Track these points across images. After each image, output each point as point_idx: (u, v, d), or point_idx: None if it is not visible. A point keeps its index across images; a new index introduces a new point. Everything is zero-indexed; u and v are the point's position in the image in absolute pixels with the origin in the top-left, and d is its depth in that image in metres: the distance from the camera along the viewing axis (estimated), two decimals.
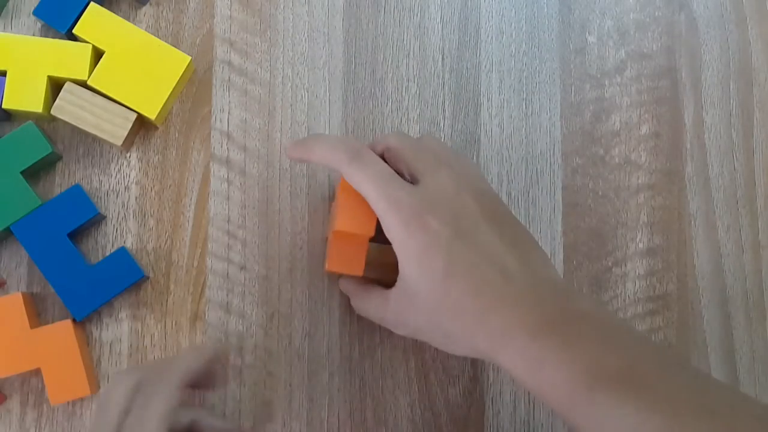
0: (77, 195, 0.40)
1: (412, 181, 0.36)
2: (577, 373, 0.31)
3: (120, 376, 0.34)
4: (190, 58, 0.42)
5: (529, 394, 0.44)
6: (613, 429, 0.29)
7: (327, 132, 0.44)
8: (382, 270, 0.40)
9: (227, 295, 0.42)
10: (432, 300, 0.34)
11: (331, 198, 0.43)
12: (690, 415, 0.29)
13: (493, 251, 0.35)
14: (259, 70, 0.44)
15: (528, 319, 0.33)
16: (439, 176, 0.36)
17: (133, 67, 0.41)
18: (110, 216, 0.42)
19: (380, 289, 0.38)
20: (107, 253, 0.41)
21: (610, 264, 0.46)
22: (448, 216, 0.35)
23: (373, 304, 0.39)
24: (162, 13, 0.44)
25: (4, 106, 0.40)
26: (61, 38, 0.42)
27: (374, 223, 0.37)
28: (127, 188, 0.42)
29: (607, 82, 0.47)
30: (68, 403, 0.40)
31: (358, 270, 0.39)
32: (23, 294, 0.39)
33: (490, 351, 0.33)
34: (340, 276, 0.43)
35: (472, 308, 0.34)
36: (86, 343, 0.41)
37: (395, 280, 0.37)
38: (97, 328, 0.41)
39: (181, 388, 0.33)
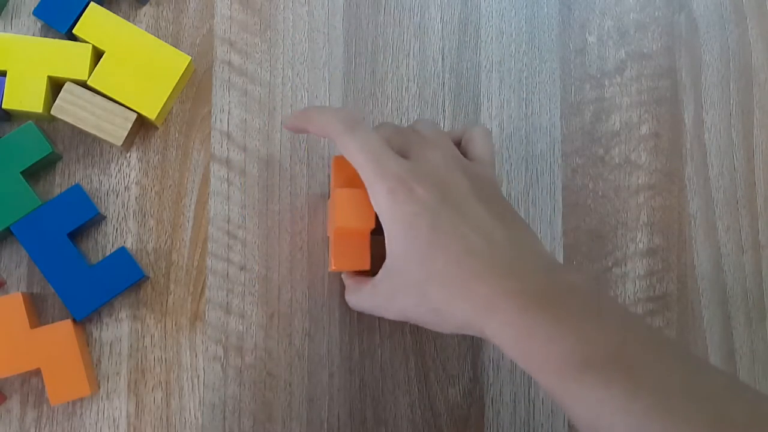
0: (77, 195, 0.40)
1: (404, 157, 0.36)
2: (567, 351, 0.30)
3: None
4: (190, 58, 0.42)
5: (529, 394, 0.44)
6: (600, 409, 0.29)
7: None
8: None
9: (227, 295, 0.42)
10: (418, 271, 0.34)
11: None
12: (678, 398, 0.28)
13: (481, 223, 0.34)
14: (259, 70, 0.44)
15: (516, 288, 0.32)
16: (430, 153, 0.36)
17: (133, 67, 0.41)
18: (110, 216, 0.42)
19: (368, 277, 0.38)
20: (107, 253, 0.41)
21: (610, 264, 0.46)
22: (436, 187, 0.35)
23: (363, 293, 0.38)
24: (162, 13, 0.44)
25: (4, 106, 0.40)
26: (61, 38, 0.42)
27: (374, 215, 0.37)
28: (127, 188, 0.42)
29: (607, 82, 0.47)
30: (68, 403, 0.40)
31: (365, 264, 0.39)
32: (23, 294, 0.39)
33: (477, 322, 0.33)
34: (341, 275, 0.43)
35: (459, 277, 0.33)
36: (86, 343, 0.41)
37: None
38: (97, 328, 0.41)
39: None
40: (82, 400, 0.40)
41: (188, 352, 0.41)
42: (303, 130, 0.39)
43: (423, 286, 0.34)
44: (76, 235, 0.41)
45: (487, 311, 0.32)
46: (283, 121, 0.42)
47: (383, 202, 0.34)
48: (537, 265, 0.34)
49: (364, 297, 0.39)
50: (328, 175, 0.44)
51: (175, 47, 0.42)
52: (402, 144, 0.37)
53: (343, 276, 0.42)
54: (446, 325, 0.35)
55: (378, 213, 0.35)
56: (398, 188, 0.34)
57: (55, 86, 0.42)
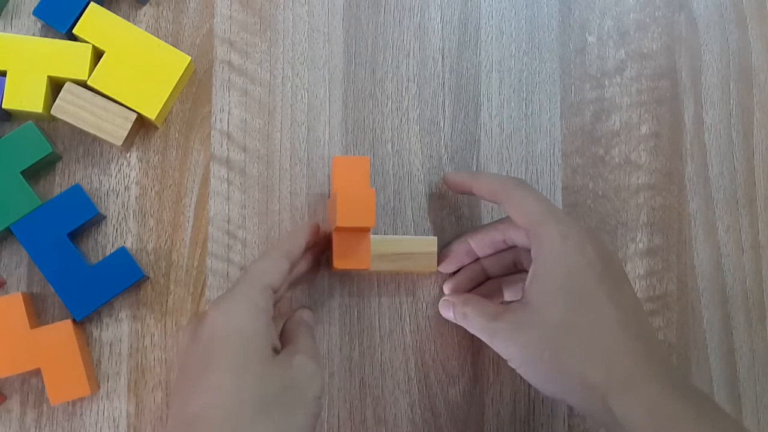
0: (77, 195, 0.40)
1: None
2: None
3: None
4: (190, 58, 0.42)
5: (529, 394, 0.44)
6: None
7: (327, 132, 0.44)
8: (388, 261, 0.40)
9: None
10: (562, 317, 0.35)
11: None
12: None
13: (631, 299, 0.36)
14: (259, 70, 0.44)
15: (661, 374, 0.33)
16: (589, 228, 0.38)
17: (133, 67, 0.41)
18: (110, 216, 0.42)
19: (496, 304, 0.39)
20: (107, 253, 0.41)
21: None
22: (603, 251, 0.36)
23: (487, 311, 0.38)
24: (162, 13, 0.44)
25: (4, 106, 0.40)
26: (61, 38, 0.42)
27: (374, 214, 0.37)
28: (127, 188, 0.42)
29: (607, 82, 0.47)
30: (68, 403, 0.40)
31: (365, 263, 0.39)
32: (23, 294, 0.39)
33: (600, 390, 0.33)
34: (345, 273, 0.43)
35: (603, 340, 0.34)
36: (86, 343, 0.41)
37: (406, 271, 0.38)
38: (97, 328, 0.41)
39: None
40: (82, 400, 0.40)
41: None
42: (466, 190, 0.41)
43: (560, 331, 0.35)
44: (76, 235, 0.41)
45: (622, 384, 0.33)
46: (444, 177, 0.43)
47: (555, 244, 0.35)
48: (670, 360, 0.36)
49: (486, 314, 0.38)
50: (328, 175, 0.44)
51: (175, 47, 0.42)
52: (568, 217, 0.38)
53: (456, 298, 0.41)
54: (558, 378, 0.35)
55: (540, 253, 0.36)
56: (572, 237, 0.35)
57: (55, 86, 0.42)
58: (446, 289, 0.43)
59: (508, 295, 0.42)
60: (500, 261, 0.42)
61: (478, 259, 0.42)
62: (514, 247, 0.41)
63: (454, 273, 0.43)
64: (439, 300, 0.43)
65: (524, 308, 0.36)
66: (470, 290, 0.42)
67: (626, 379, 0.33)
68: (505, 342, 0.37)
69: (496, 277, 0.43)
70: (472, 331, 0.39)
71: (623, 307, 0.35)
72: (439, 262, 0.42)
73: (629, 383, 0.33)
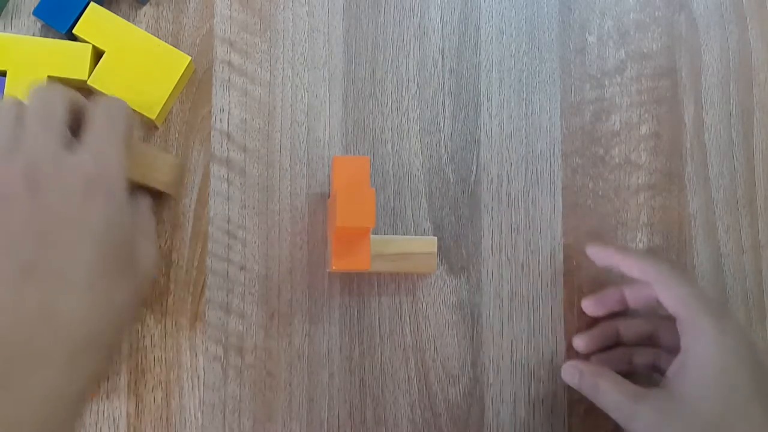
0: None
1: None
2: None
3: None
4: (190, 58, 0.42)
5: (529, 394, 0.44)
6: None
7: (327, 132, 0.44)
8: (388, 261, 0.40)
9: (227, 295, 0.42)
10: (715, 412, 0.34)
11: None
12: None
13: None
14: (259, 70, 0.44)
15: None
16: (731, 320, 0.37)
17: (133, 67, 0.41)
18: None
19: (632, 383, 0.38)
20: None
21: None
22: (756, 352, 0.36)
23: (627, 389, 0.37)
24: (162, 13, 0.44)
25: None
26: (61, 38, 0.42)
27: (374, 214, 0.37)
28: None
29: (607, 82, 0.47)
30: None
31: (365, 263, 0.39)
32: None
33: None
34: (346, 273, 0.43)
35: None
36: None
37: (406, 271, 0.38)
38: None
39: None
40: None
41: (188, 352, 0.41)
42: (613, 265, 0.41)
43: (710, 429, 0.34)
44: None
45: None
46: (588, 248, 0.43)
47: (712, 339, 0.35)
48: None
49: (621, 397, 0.37)
50: (328, 175, 0.44)
51: (175, 47, 0.42)
52: (721, 305, 0.39)
53: (586, 366, 0.40)
54: None
55: (693, 345, 0.35)
56: (729, 333, 0.35)
57: None
58: (577, 342, 0.42)
59: (638, 358, 0.42)
60: (636, 328, 0.42)
61: (615, 316, 0.43)
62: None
63: (589, 326, 0.43)
64: (439, 297, 0.43)
65: (671, 397, 0.35)
66: (596, 352, 0.42)
67: None
68: (646, 427, 0.36)
69: (626, 345, 0.42)
70: (601, 404, 0.38)
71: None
72: (587, 302, 0.43)
73: None
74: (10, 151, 0.32)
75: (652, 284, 0.38)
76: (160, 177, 0.40)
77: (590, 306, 0.43)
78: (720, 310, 0.36)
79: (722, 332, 0.35)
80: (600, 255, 0.42)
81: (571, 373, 0.41)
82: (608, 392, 0.37)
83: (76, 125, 0.34)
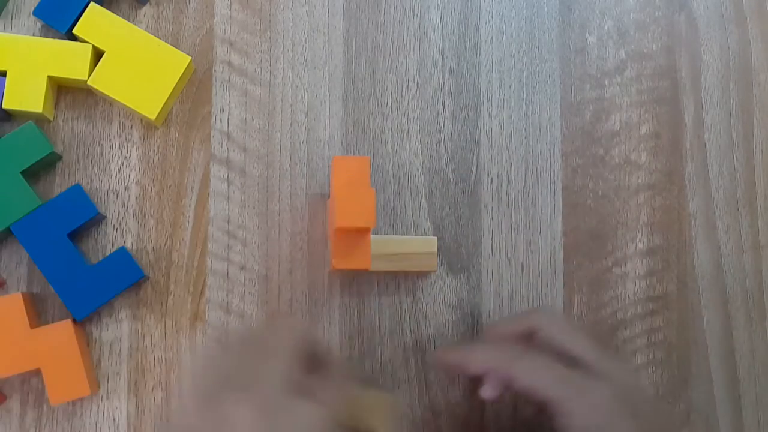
0: (77, 195, 0.40)
1: (572, 363, 0.35)
2: None
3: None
4: (190, 58, 0.42)
5: None
6: None
7: (327, 132, 0.44)
8: (388, 261, 0.40)
9: (227, 295, 0.42)
10: None
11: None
12: None
13: None
14: (259, 70, 0.44)
15: None
16: (621, 373, 0.36)
17: (133, 67, 0.41)
18: (110, 216, 0.42)
19: None
20: (107, 253, 0.41)
21: (610, 264, 0.46)
22: (639, 411, 0.34)
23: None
24: (162, 13, 0.44)
25: (4, 106, 0.40)
26: (61, 38, 0.42)
27: (374, 214, 0.37)
28: (127, 188, 0.42)
29: (607, 82, 0.47)
30: (68, 403, 0.40)
31: (365, 264, 0.39)
32: (23, 294, 0.39)
33: None
34: (346, 273, 0.43)
35: None
36: (86, 343, 0.41)
37: (406, 271, 0.38)
38: (97, 328, 0.41)
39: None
40: (82, 400, 0.40)
41: (188, 352, 0.41)
42: (461, 368, 0.38)
43: None
44: (76, 235, 0.41)
45: None
46: (434, 361, 0.42)
47: (584, 422, 0.34)
48: None
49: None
50: (328, 175, 0.44)
51: (175, 47, 0.42)
52: (593, 359, 0.36)
53: None
54: None
55: (558, 417, 0.34)
56: (601, 406, 0.34)
57: (55, 86, 0.42)
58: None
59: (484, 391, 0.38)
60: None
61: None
62: None
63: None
64: (439, 297, 0.43)
65: None
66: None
67: None
68: None
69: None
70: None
71: None
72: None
73: None
74: (242, 389, 0.31)
75: (512, 381, 0.35)
76: (376, 420, 0.38)
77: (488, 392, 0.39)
78: (586, 382, 0.34)
79: (592, 408, 0.34)
80: (445, 363, 0.39)
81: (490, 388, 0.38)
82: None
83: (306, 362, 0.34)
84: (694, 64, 0.48)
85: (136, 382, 0.41)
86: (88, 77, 0.41)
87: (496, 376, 0.37)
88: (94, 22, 0.41)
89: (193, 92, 0.44)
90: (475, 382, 0.38)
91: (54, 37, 0.42)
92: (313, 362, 0.34)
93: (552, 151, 0.46)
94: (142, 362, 0.41)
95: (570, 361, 0.35)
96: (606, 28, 0.48)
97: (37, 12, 0.42)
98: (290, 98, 0.44)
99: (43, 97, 0.40)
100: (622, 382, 0.35)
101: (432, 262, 0.42)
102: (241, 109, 0.44)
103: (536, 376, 0.35)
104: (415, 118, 0.45)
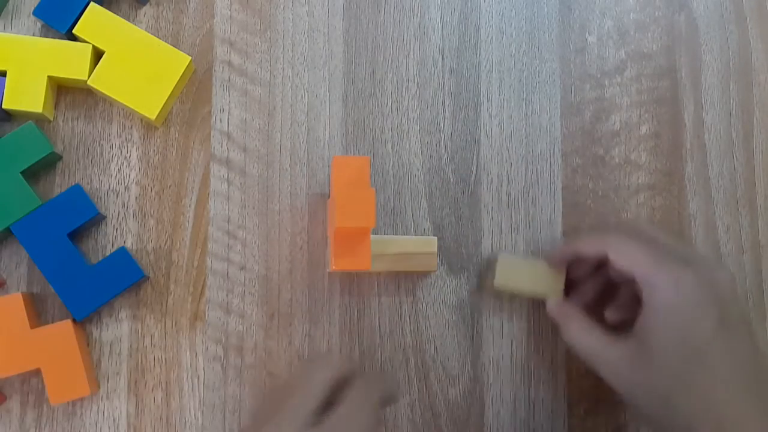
0: (77, 195, 0.40)
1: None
2: None
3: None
4: (190, 58, 0.42)
5: (529, 394, 0.44)
6: None
7: (327, 132, 0.44)
8: (388, 261, 0.40)
9: (227, 295, 0.42)
10: (676, 365, 0.35)
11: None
12: None
13: (747, 350, 0.36)
14: (259, 70, 0.44)
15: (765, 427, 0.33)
16: (720, 272, 0.37)
17: (133, 67, 0.41)
18: (110, 216, 0.42)
19: (605, 328, 0.38)
20: (107, 253, 0.41)
21: None
22: (719, 297, 0.36)
23: (597, 337, 0.38)
24: (162, 13, 0.44)
25: (4, 106, 0.40)
26: (61, 38, 0.42)
27: (374, 214, 0.37)
28: (127, 188, 0.42)
29: (607, 82, 0.47)
30: (68, 403, 0.40)
31: (365, 263, 0.39)
32: (23, 294, 0.39)
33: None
34: (346, 273, 0.43)
35: (714, 389, 0.34)
36: (86, 343, 0.41)
37: (406, 271, 0.38)
38: (97, 328, 0.41)
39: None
40: (82, 400, 0.40)
41: (188, 352, 0.41)
42: (572, 257, 0.41)
43: (673, 381, 0.35)
44: (76, 235, 0.41)
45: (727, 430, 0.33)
46: (547, 258, 0.42)
47: (667, 293, 0.35)
48: None
49: (595, 342, 0.38)
50: (328, 175, 0.44)
51: (175, 47, 0.42)
52: (685, 252, 0.38)
53: (555, 306, 0.41)
54: (664, 420, 0.36)
55: (651, 301, 0.36)
56: (685, 284, 0.35)
57: (55, 86, 0.42)
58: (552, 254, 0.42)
59: (609, 314, 0.41)
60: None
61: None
62: None
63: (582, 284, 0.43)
64: (439, 297, 0.43)
65: (638, 346, 0.36)
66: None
67: (732, 427, 0.33)
68: (613, 374, 0.37)
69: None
70: (571, 346, 0.39)
71: (738, 359, 0.35)
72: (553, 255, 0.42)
73: (734, 430, 0.33)
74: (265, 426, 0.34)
75: (609, 255, 0.38)
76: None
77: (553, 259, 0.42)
78: (672, 260, 0.36)
79: (676, 284, 0.35)
80: (557, 257, 0.42)
81: (551, 308, 0.41)
82: (579, 336, 0.39)
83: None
84: (694, 64, 0.48)
85: (136, 382, 0.41)
86: (88, 77, 0.41)
87: (592, 261, 0.40)
88: (94, 22, 0.41)
89: (193, 92, 0.44)
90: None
91: (54, 37, 0.42)
92: (341, 391, 0.35)
93: (552, 151, 0.46)
94: (142, 362, 0.41)
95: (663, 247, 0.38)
96: (606, 28, 0.48)
97: (37, 12, 0.42)
98: (290, 98, 0.44)
99: (43, 97, 0.40)
100: (707, 269, 0.36)
101: (432, 262, 0.42)
102: (241, 109, 0.44)
103: (630, 255, 0.37)
104: (415, 118, 0.45)
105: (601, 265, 0.41)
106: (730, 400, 0.34)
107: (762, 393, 0.35)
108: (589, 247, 0.39)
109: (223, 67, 0.44)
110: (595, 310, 0.41)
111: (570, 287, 0.42)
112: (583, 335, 0.39)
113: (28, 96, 0.40)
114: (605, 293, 0.42)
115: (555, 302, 0.41)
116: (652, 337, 0.36)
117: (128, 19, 0.42)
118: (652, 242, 0.38)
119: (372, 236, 0.40)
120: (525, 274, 0.42)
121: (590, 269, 0.42)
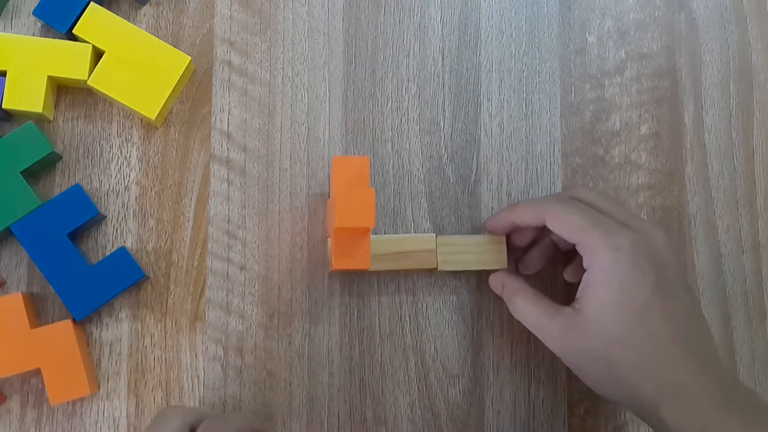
0: (77, 195, 0.40)
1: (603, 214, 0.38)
2: None
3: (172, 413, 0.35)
4: (190, 58, 0.42)
5: (529, 394, 0.44)
6: None
7: (327, 132, 0.44)
8: (388, 261, 0.40)
9: (227, 295, 0.42)
10: (617, 331, 0.35)
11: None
12: None
13: (687, 313, 0.36)
14: (259, 70, 0.44)
15: (709, 386, 0.34)
16: (654, 231, 0.37)
17: (133, 67, 0.41)
18: (110, 216, 0.42)
19: (548, 299, 0.39)
20: (107, 253, 0.41)
21: None
22: (658, 259, 0.36)
23: (540, 311, 0.38)
24: (162, 13, 0.44)
25: (4, 106, 0.40)
26: (61, 38, 0.42)
27: (374, 214, 0.37)
28: (127, 188, 0.42)
29: (607, 82, 0.47)
30: (68, 403, 0.40)
31: (365, 263, 0.39)
32: (23, 294, 0.39)
33: (653, 401, 0.34)
34: (345, 273, 0.43)
35: (656, 354, 0.34)
36: (86, 343, 0.41)
37: (406, 269, 0.38)
38: (97, 328, 0.41)
39: None
40: (82, 400, 0.40)
41: (188, 352, 0.41)
42: (510, 226, 0.41)
43: (614, 345, 0.35)
44: (76, 235, 0.41)
45: (673, 397, 0.34)
46: (486, 226, 0.43)
47: (606, 258, 0.36)
48: (723, 366, 0.36)
49: (539, 314, 0.38)
50: (328, 175, 0.44)
51: (175, 47, 0.42)
52: (622, 216, 0.38)
53: (498, 276, 0.41)
54: (611, 389, 0.36)
55: (591, 265, 0.36)
56: (623, 248, 0.35)
57: (55, 86, 0.42)
58: (521, 267, 0.43)
59: (567, 275, 0.42)
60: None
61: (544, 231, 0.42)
62: None
63: (526, 250, 0.43)
64: (439, 297, 0.43)
65: (579, 316, 0.36)
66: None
67: (677, 394, 0.34)
68: (559, 345, 0.37)
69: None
70: (518, 318, 0.39)
71: (677, 319, 0.35)
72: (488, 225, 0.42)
73: (680, 397, 0.34)
74: None
75: (546, 222, 0.38)
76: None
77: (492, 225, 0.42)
78: (610, 224, 0.36)
79: (615, 249, 0.35)
80: (496, 225, 0.41)
81: (495, 284, 0.42)
82: (524, 308, 0.39)
83: None
84: (694, 64, 0.48)
85: (136, 382, 0.41)
86: (88, 77, 0.41)
87: (533, 227, 0.40)
88: (94, 22, 0.41)
89: (193, 92, 0.44)
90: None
91: (54, 37, 0.42)
92: None
93: (552, 151, 0.46)
94: (142, 362, 0.41)
95: (601, 212, 0.38)
96: (606, 28, 0.48)
97: (37, 12, 0.42)
98: (290, 98, 0.44)
99: (43, 97, 0.40)
100: (644, 232, 0.37)
101: (432, 260, 0.42)
102: (241, 109, 0.44)
103: (567, 221, 0.37)
104: (415, 118, 0.45)
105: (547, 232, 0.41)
106: (670, 359, 0.34)
107: (700, 351, 0.35)
108: (527, 215, 0.39)
109: (223, 67, 0.44)
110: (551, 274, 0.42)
111: (519, 258, 0.43)
112: (529, 307, 0.39)
113: (28, 96, 0.40)
114: (566, 255, 0.42)
115: (497, 276, 0.41)
116: (592, 304, 0.36)
117: (128, 19, 0.42)
118: (589, 207, 0.38)
119: (372, 236, 0.40)
120: (466, 250, 0.42)
121: (536, 236, 0.42)
